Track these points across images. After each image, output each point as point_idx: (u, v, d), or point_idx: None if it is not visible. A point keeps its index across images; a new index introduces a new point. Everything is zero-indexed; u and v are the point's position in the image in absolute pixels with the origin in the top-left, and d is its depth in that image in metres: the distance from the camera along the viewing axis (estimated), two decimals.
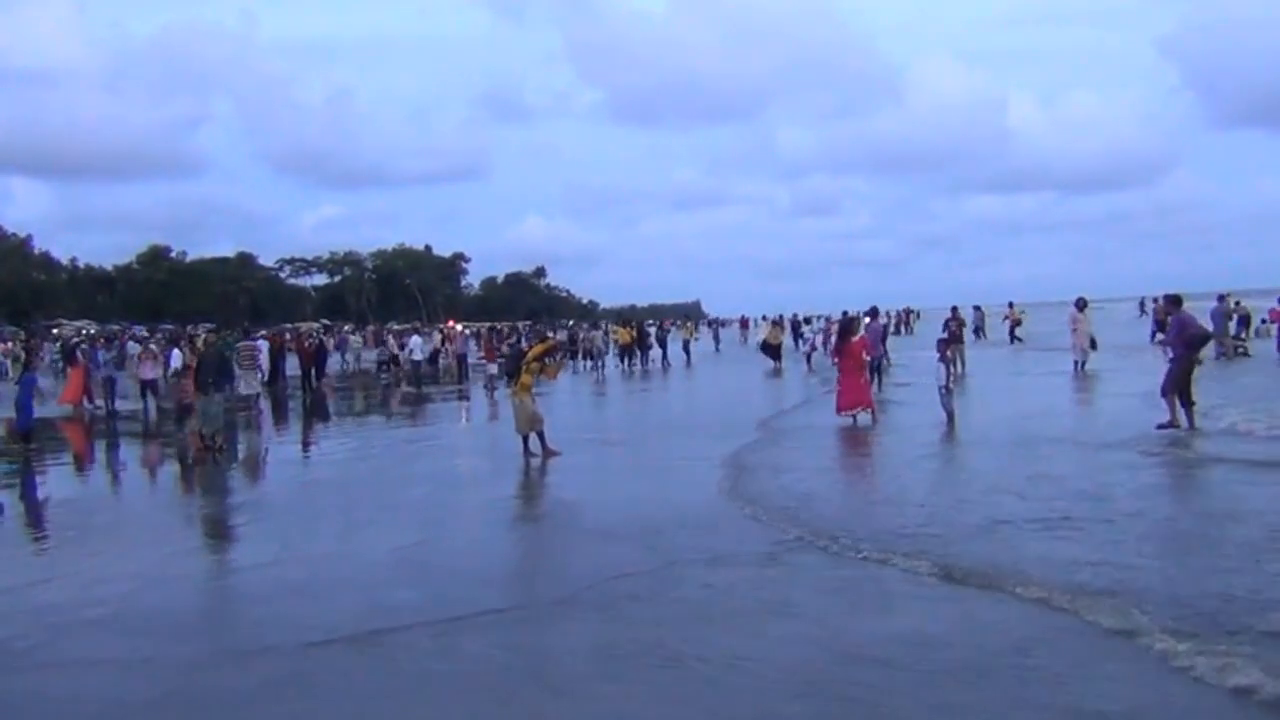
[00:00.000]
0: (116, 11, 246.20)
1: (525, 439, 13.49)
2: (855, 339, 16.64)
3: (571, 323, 73.17)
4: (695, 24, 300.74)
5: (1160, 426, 12.65)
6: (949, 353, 15.68)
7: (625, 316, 47.32)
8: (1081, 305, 23.56)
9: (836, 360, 16.83)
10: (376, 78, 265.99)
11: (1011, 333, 37.44)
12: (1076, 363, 23.01)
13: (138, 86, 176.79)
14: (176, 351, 23.98)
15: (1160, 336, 21.67)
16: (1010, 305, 40.03)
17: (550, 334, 29.37)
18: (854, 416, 15.53)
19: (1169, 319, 13.91)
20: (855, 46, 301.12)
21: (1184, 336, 13.14)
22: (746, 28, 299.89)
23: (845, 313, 34.70)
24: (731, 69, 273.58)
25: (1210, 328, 24.43)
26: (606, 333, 40.66)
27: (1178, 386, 12.86)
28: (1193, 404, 12.88)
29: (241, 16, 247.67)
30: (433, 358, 35.30)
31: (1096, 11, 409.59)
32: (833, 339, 31.42)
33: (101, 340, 35.04)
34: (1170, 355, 13.46)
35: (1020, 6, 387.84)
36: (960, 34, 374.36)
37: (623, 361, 34.92)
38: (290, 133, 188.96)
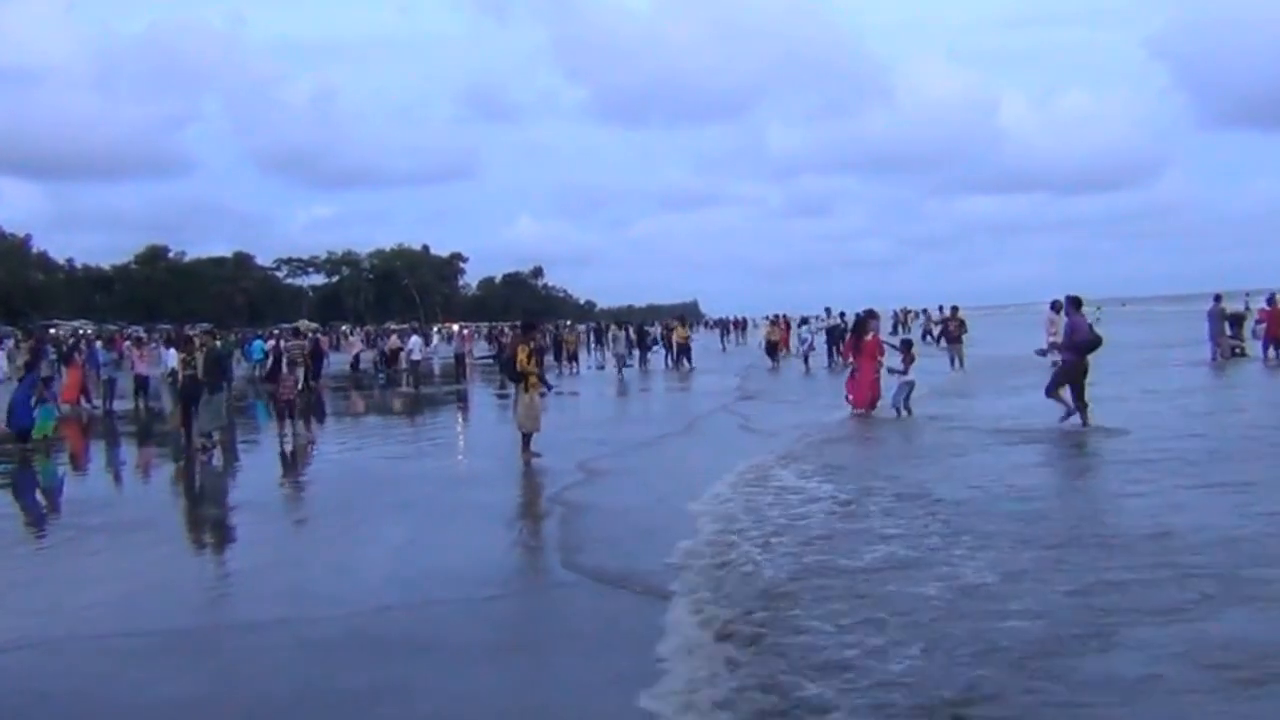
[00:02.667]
0: (103, 10, 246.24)
1: (528, 437, 13.61)
2: (869, 338, 16.99)
3: (569, 323, 73.10)
4: (682, 22, 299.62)
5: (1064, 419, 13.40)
6: (911, 354, 16.36)
7: (681, 315, 46.23)
8: (1057, 308, 24.13)
9: (851, 359, 17.32)
10: (362, 77, 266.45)
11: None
12: (1054, 364, 23.49)
13: (125, 86, 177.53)
14: (172, 351, 24.04)
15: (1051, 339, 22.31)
16: (940, 309, 40.91)
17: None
18: (864, 413, 15.92)
19: (1063, 320, 14.14)
20: (844, 46, 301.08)
21: (1073, 341, 13.64)
22: (733, 26, 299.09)
23: (842, 313, 34.88)
24: (719, 67, 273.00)
25: (1209, 328, 24.89)
26: (639, 331, 40.56)
27: (1061, 386, 13.56)
28: (1085, 405, 13.37)
29: (228, 16, 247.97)
30: (393, 357, 35.44)
31: (1087, 12, 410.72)
32: (819, 338, 31.92)
33: (102, 341, 35.02)
34: (1061, 358, 14.01)
35: (1012, 7, 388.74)
36: (951, 34, 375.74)
37: (680, 361, 34.49)
38: (279, 132, 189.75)
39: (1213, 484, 9.31)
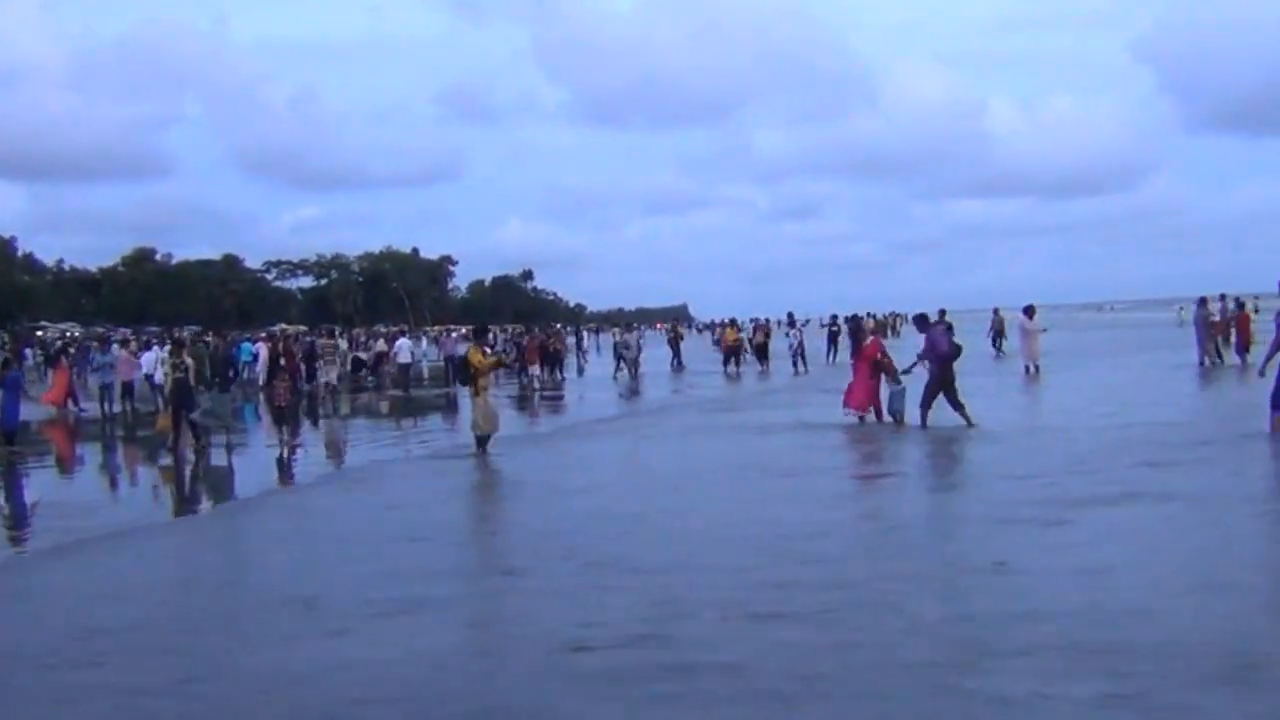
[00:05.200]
0: (85, 10, 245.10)
1: (485, 439, 13.74)
2: (868, 342, 17.26)
3: (560, 326, 72.96)
4: (664, 23, 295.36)
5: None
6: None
7: (730, 319, 42.98)
8: (1030, 313, 25.00)
9: (854, 362, 17.75)
10: (343, 79, 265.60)
11: None
12: (1027, 368, 24.34)
13: (108, 86, 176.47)
14: (149, 355, 23.99)
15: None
16: (868, 315, 41.96)
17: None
18: (861, 416, 15.91)
19: (926, 335, 15.35)
20: (831, 48, 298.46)
21: (935, 354, 14.86)
22: (718, 27, 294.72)
23: (833, 316, 34.91)
24: (704, 69, 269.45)
25: (1195, 332, 24.97)
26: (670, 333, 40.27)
27: (933, 398, 14.65)
28: (962, 405, 14.58)
29: (211, 17, 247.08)
30: (378, 360, 35.26)
31: (1073, 16, 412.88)
32: (801, 339, 31.98)
33: (95, 344, 34.90)
34: (928, 371, 15.06)
35: (997, 12, 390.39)
36: (938, 38, 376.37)
37: (727, 363, 32.36)
38: (264, 133, 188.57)
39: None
